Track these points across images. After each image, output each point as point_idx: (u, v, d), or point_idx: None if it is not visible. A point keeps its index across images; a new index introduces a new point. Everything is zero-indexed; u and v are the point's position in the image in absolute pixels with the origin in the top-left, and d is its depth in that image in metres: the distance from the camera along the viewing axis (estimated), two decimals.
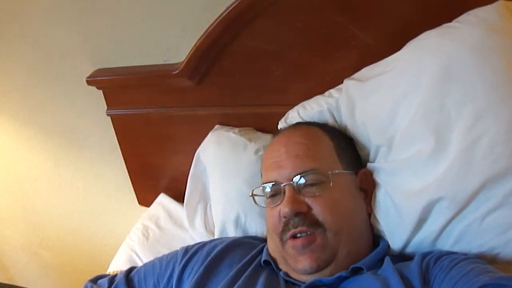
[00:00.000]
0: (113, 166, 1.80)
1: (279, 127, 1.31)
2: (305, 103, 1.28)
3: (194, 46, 1.34)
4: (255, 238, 1.26)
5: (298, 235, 1.02)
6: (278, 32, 1.29)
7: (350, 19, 1.21)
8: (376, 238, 1.13)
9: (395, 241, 1.08)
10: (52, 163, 1.88)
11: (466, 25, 1.03)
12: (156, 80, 1.48)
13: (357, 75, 1.21)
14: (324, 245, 1.02)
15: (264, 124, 1.44)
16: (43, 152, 1.86)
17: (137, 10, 1.46)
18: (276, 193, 1.09)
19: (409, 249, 1.07)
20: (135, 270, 1.23)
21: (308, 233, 1.02)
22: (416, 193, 1.01)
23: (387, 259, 1.01)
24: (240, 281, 1.06)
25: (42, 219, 2.07)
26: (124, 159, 1.69)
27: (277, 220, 1.07)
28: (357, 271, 1.02)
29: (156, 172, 1.67)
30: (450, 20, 1.07)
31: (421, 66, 1.04)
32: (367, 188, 1.13)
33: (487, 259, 0.97)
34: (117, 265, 1.43)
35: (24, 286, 2.39)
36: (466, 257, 0.95)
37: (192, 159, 1.48)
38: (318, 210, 1.03)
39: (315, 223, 1.02)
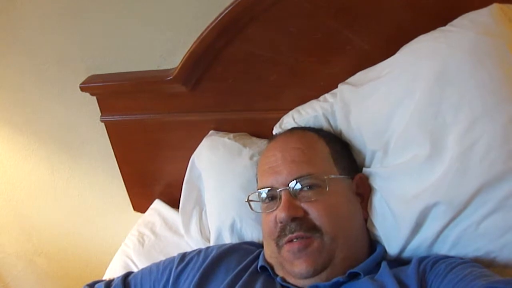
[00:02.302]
0: (107, 172, 1.79)
1: (274, 132, 1.31)
2: (300, 108, 1.28)
3: (188, 51, 1.34)
4: (251, 244, 1.26)
5: (295, 240, 1.02)
6: (272, 37, 1.28)
7: (344, 24, 1.21)
8: (373, 243, 1.12)
9: (392, 246, 1.08)
10: (47, 170, 1.87)
11: (461, 28, 1.03)
12: (150, 86, 1.47)
13: (351, 79, 1.21)
14: (321, 249, 1.01)
15: (259, 129, 1.44)
16: (38, 159, 1.85)
17: (130, 17, 1.45)
18: (272, 199, 1.08)
19: (405, 254, 1.07)
20: (132, 275, 1.23)
21: (305, 237, 1.01)
22: (412, 198, 1.01)
23: (384, 264, 1.01)
24: (236, 287, 1.05)
25: (37, 226, 2.06)
26: (118, 165, 1.68)
27: (273, 225, 1.06)
28: (354, 276, 1.01)
29: (151, 178, 1.67)
30: (444, 24, 1.07)
31: (416, 71, 1.04)
32: (363, 193, 1.13)
33: (484, 263, 0.96)
34: (113, 272, 1.42)
35: None
36: (462, 261, 0.94)
37: (187, 164, 1.47)
38: (315, 214, 1.03)
39: (312, 228, 1.02)
